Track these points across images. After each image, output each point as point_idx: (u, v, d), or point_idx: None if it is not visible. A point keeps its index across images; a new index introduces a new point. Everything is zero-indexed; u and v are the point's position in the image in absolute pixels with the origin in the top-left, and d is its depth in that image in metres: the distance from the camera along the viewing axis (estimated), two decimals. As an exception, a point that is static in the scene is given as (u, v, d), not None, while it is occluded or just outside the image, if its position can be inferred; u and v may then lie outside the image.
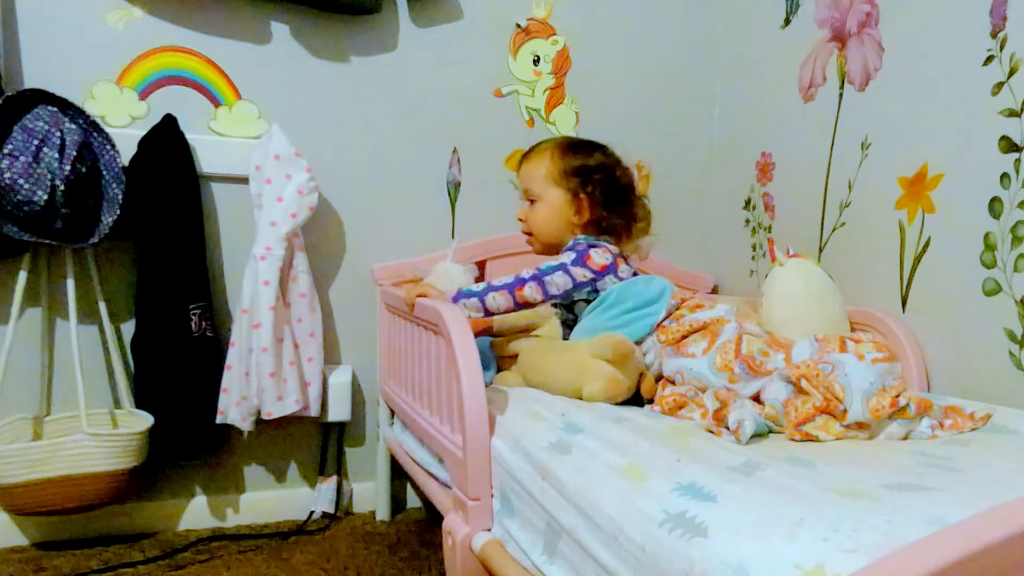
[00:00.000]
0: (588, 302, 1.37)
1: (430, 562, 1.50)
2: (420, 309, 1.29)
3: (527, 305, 1.35)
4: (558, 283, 1.34)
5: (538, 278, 1.34)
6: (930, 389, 1.30)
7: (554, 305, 1.45)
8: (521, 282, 1.33)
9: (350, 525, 1.71)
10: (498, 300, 1.33)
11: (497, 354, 1.43)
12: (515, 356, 1.38)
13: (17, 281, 1.47)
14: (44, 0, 1.51)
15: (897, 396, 1.00)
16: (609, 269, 1.36)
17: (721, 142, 2.02)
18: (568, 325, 1.43)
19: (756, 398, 1.11)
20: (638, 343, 1.26)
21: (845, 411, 1.00)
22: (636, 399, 1.25)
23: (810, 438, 0.98)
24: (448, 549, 1.11)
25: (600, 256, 1.37)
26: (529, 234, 1.49)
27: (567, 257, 1.37)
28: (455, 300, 1.31)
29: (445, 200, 1.84)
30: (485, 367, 1.18)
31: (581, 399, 1.21)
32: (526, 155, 1.50)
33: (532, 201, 1.45)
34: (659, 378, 1.27)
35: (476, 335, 1.16)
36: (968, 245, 1.27)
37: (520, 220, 1.49)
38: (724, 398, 1.08)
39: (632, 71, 1.96)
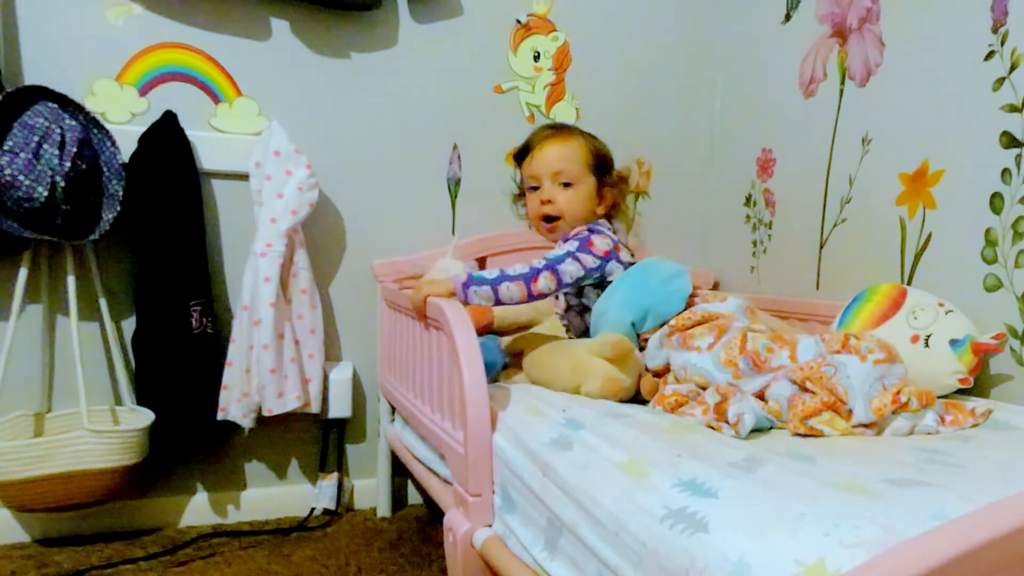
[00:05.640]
0: (597, 286, 1.37)
1: (431, 558, 1.50)
2: (430, 309, 1.26)
3: (540, 296, 1.31)
4: (570, 271, 1.31)
5: (551, 267, 1.30)
6: (931, 385, 1.30)
7: (566, 293, 1.44)
8: (536, 272, 1.29)
9: (351, 522, 1.71)
10: (512, 290, 1.28)
11: (510, 352, 1.42)
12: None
13: (18, 278, 1.47)
14: (44, -4, 1.52)
15: (898, 393, 1.00)
16: (612, 255, 1.36)
17: (721, 138, 2.02)
18: (577, 311, 1.42)
19: (760, 395, 1.11)
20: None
21: (851, 412, 1.00)
22: (636, 398, 1.25)
23: (814, 432, 0.98)
24: (449, 545, 1.11)
25: (602, 242, 1.36)
26: (556, 218, 1.45)
27: (571, 246, 1.35)
28: (466, 286, 1.26)
29: (445, 196, 1.84)
30: (488, 366, 1.18)
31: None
32: (553, 135, 1.46)
33: (566, 184, 1.44)
34: (658, 373, 1.27)
35: (477, 333, 1.16)
36: (969, 241, 1.27)
37: (546, 202, 1.44)
38: (725, 392, 1.08)
39: (632, 67, 1.96)
